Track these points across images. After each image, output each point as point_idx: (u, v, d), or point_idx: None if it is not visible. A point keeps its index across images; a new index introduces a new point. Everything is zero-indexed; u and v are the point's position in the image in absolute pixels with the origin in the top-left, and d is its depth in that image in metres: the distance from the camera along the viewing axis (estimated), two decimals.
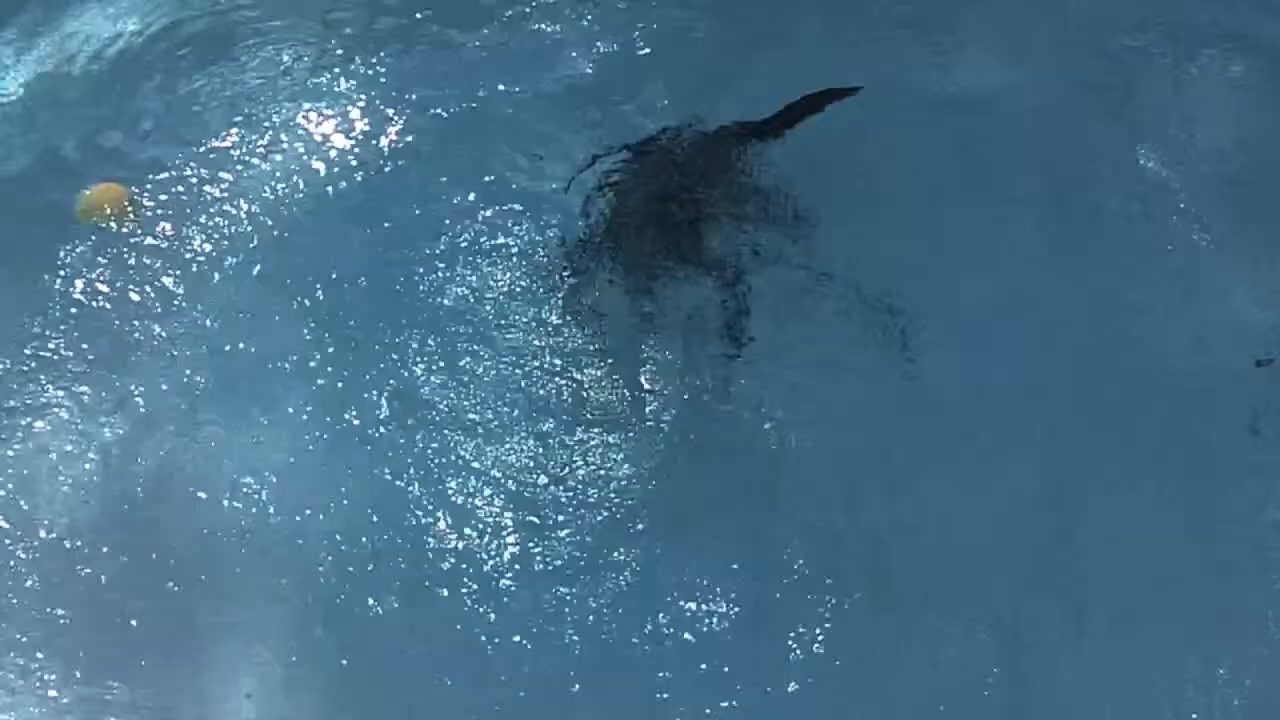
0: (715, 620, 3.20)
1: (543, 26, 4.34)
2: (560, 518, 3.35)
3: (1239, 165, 3.91)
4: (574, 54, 4.26)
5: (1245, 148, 3.95)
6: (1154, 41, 4.21)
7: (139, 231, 3.86)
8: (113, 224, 3.85)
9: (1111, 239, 3.79)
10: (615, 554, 3.29)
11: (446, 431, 3.47)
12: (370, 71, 4.26)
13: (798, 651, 3.13)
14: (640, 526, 3.33)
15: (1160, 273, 3.71)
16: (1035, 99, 4.09)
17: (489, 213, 3.85)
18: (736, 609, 3.21)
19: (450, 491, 3.38)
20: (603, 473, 3.41)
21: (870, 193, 3.83)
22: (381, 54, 4.30)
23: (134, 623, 3.28)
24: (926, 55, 4.21)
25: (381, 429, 3.49)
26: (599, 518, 3.35)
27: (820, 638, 3.15)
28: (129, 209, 3.86)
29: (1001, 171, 3.91)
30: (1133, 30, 4.24)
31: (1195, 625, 3.17)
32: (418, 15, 4.40)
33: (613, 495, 3.38)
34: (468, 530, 3.32)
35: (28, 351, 3.68)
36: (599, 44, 4.28)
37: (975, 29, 4.29)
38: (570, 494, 3.38)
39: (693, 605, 3.22)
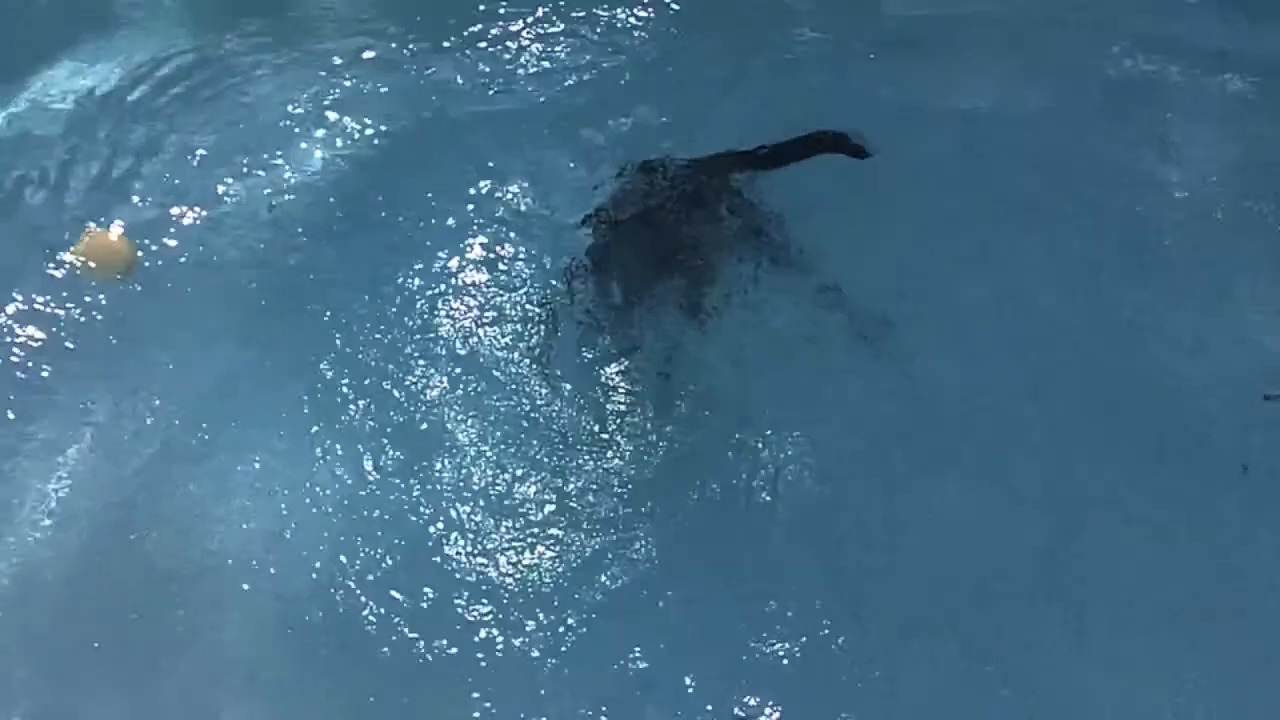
0: (714, 631, 3.20)
1: (534, 49, 4.34)
2: (553, 540, 3.34)
3: (1243, 179, 3.92)
4: (566, 75, 4.27)
5: (1251, 162, 3.96)
6: (1155, 55, 4.24)
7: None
8: (115, 276, 3.80)
9: (1112, 248, 3.80)
10: (611, 574, 3.29)
11: (440, 459, 3.46)
12: (359, 100, 4.27)
13: (798, 657, 3.13)
14: (636, 544, 3.33)
15: (1162, 281, 3.71)
16: (1037, 110, 4.12)
17: (484, 241, 3.84)
18: (736, 618, 3.21)
19: (445, 518, 3.37)
20: (596, 492, 3.41)
21: (871, 202, 3.84)
22: (370, 83, 4.31)
23: (127, 648, 3.29)
24: (929, 69, 4.23)
25: (376, 457, 3.49)
26: (593, 541, 3.34)
27: (820, 642, 3.15)
28: (126, 264, 3.79)
29: (1002, 181, 3.93)
30: (1135, 43, 4.27)
31: (1196, 627, 3.16)
32: (405, 42, 4.40)
33: (608, 513, 3.37)
34: (462, 555, 3.31)
35: (16, 380, 3.69)
36: (593, 64, 4.28)
37: (976, 39, 4.33)
38: (563, 516, 3.37)
39: (690, 615, 3.22)
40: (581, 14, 4.38)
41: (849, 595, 3.21)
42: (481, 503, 3.39)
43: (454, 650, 3.18)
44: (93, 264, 3.75)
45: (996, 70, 4.22)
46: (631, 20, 4.36)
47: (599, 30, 4.35)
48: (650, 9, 4.39)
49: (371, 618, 3.23)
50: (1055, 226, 3.82)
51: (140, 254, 3.82)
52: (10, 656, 3.30)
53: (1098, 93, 4.17)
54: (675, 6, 4.40)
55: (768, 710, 3.07)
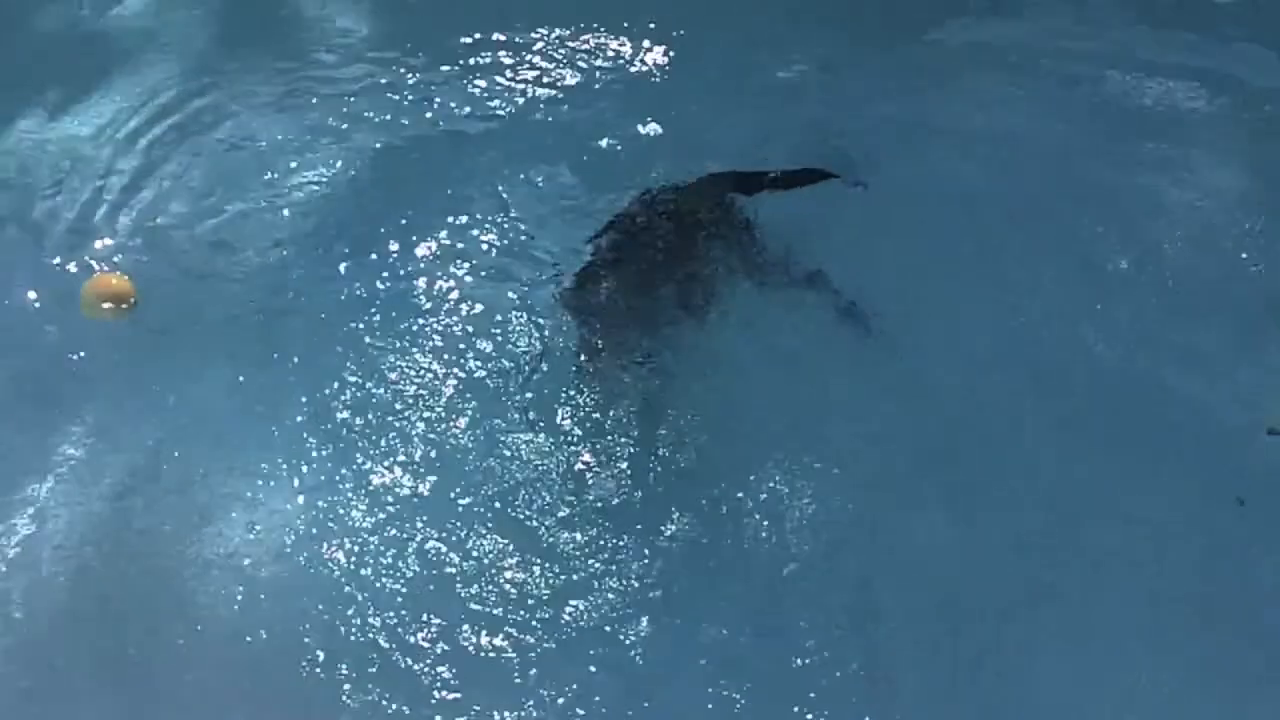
0: (717, 643, 3.19)
1: (533, 74, 4.37)
2: (554, 563, 3.31)
3: (1250, 202, 3.96)
4: (566, 100, 4.29)
5: (1257, 185, 4.01)
6: (1162, 81, 4.32)
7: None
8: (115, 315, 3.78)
9: (1117, 265, 3.83)
10: (611, 597, 3.27)
11: (437, 487, 3.43)
12: (357, 129, 4.27)
13: (797, 658, 3.13)
14: (635, 565, 3.30)
15: (1169, 299, 3.74)
16: (1043, 132, 4.19)
17: (483, 269, 3.84)
18: (740, 631, 3.21)
19: (443, 546, 3.33)
20: (596, 514, 3.39)
21: (871, 218, 3.88)
22: (369, 111, 4.32)
23: (109, 676, 3.24)
24: (935, 90, 4.31)
25: (368, 485, 3.44)
26: (592, 563, 3.31)
27: (825, 650, 3.14)
28: (126, 303, 3.77)
29: (1006, 199, 3.99)
30: (1141, 69, 4.35)
31: (1196, 631, 3.17)
32: (404, 69, 4.42)
33: (607, 537, 3.35)
34: (461, 583, 3.27)
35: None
36: (593, 88, 4.32)
37: (984, 65, 4.40)
38: (564, 537, 3.35)
39: (695, 633, 3.21)
40: (581, 39, 4.43)
41: (850, 602, 3.22)
42: (477, 528, 3.35)
43: (454, 675, 3.15)
44: (94, 304, 3.75)
45: (1003, 93, 4.30)
46: (632, 46, 4.42)
47: (599, 55, 4.40)
48: (651, 35, 4.44)
49: (362, 646, 3.19)
50: (1059, 242, 3.88)
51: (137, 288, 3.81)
52: None
53: (1104, 116, 4.25)
54: (675, 33, 4.46)
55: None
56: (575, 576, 3.27)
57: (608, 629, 3.19)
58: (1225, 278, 3.79)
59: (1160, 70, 4.33)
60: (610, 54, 4.39)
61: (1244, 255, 3.85)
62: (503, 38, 4.45)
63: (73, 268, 3.90)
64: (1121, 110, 4.26)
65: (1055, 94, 4.31)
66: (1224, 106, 4.25)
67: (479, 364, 3.63)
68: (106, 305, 3.74)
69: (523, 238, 3.91)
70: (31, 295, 3.87)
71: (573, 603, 3.23)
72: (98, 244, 3.98)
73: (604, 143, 4.15)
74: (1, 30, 4.64)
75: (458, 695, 3.11)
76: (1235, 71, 4.33)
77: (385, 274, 3.85)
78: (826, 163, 3.97)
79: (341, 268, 3.88)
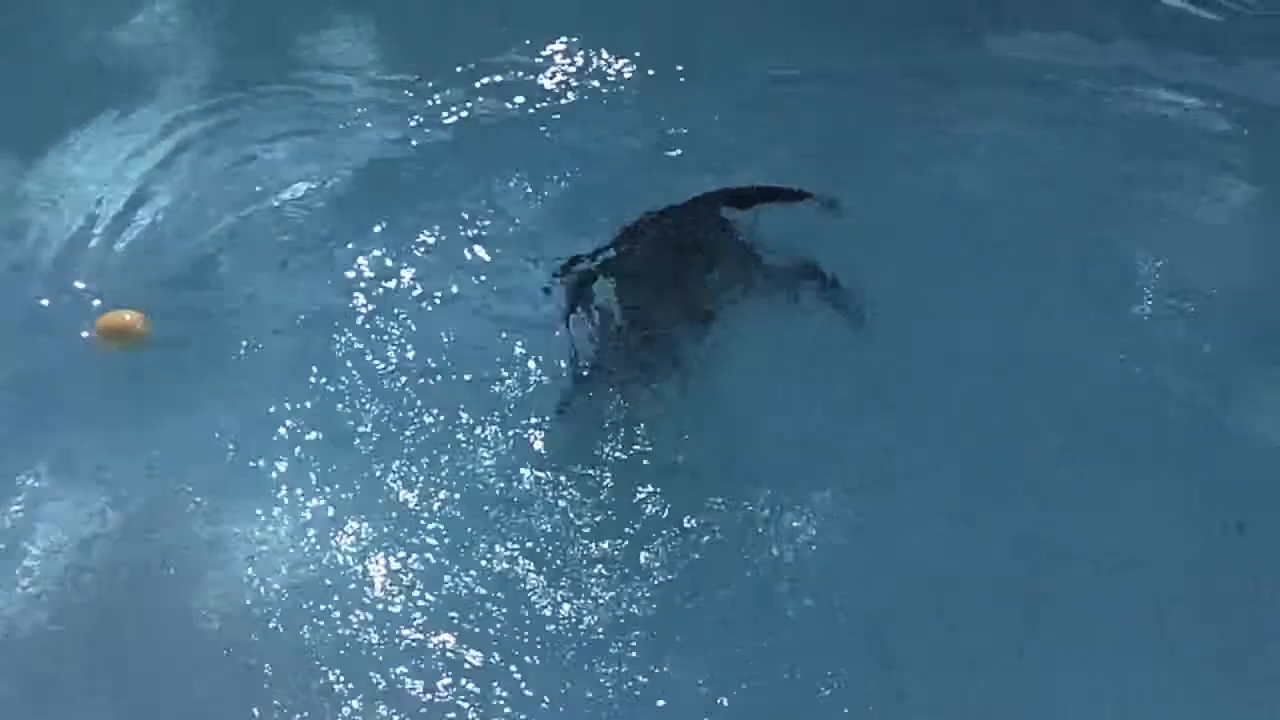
0: (718, 647, 3.19)
1: (536, 90, 4.41)
2: (557, 590, 3.30)
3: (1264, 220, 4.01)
4: (567, 114, 4.33)
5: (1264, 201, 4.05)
6: (1173, 97, 4.37)
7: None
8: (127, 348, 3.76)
9: (1127, 274, 3.85)
10: (608, 617, 3.25)
11: (437, 531, 3.39)
12: (365, 153, 4.29)
13: (798, 660, 3.13)
14: (634, 584, 3.29)
15: (1180, 310, 3.77)
16: (1051, 141, 4.23)
17: (484, 300, 3.84)
18: (739, 628, 3.21)
19: (445, 591, 3.29)
20: (595, 539, 3.37)
21: (875, 223, 3.90)
22: (377, 134, 4.35)
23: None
24: (944, 101, 4.36)
25: (368, 519, 3.41)
26: (592, 584, 3.31)
27: (819, 650, 3.15)
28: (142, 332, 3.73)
29: (1013, 207, 4.02)
30: (1153, 86, 4.41)
31: (1196, 629, 3.17)
32: (411, 89, 4.45)
33: (608, 553, 3.34)
34: (459, 632, 3.22)
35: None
36: (594, 103, 4.36)
37: (995, 80, 4.46)
38: (557, 556, 3.34)
39: (693, 626, 3.21)
40: (579, 54, 4.48)
41: (850, 603, 3.22)
42: (481, 548, 3.34)
43: (457, 694, 3.13)
44: (104, 341, 3.73)
45: (1005, 104, 4.36)
46: (629, 62, 4.46)
47: (597, 70, 4.44)
48: (647, 51, 4.48)
49: (366, 666, 3.16)
50: (1060, 247, 3.91)
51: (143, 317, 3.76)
52: None
53: (1106, 130, 4.29)
54: (671, 46, 4.51)
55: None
56: (578, 594, 3.27)
57: (609, 645, 3.18)
58: (1226, 286, 3.81)
59: (1163, 85, 4.38)
60: (611, 70, 4.44)
61: (1244, 265, 3.89)
62: (502, 57, 4.50)
63: (70, 290, 3.93)
64: (1123, 125, 4.30)
65: (1057, 106, 4.35)
66: (1228, 122, 4.29)
67: (481, 385, 3.63)
68: (117, 343, 3.71)
69: (527, 259, 3.93)
70: (28, 320, 3.89)
71: (582, 620, 3.22)
72: (93, 270, 4.00)
73: (603, 158, 4.19)
74: None
75: (462, 714, 3.10)
76: (1239, 88, 4.38)
77: (392, 299, 3.84)
78: (825, 173, 4.00)
79: (346, 291, 3.87)
